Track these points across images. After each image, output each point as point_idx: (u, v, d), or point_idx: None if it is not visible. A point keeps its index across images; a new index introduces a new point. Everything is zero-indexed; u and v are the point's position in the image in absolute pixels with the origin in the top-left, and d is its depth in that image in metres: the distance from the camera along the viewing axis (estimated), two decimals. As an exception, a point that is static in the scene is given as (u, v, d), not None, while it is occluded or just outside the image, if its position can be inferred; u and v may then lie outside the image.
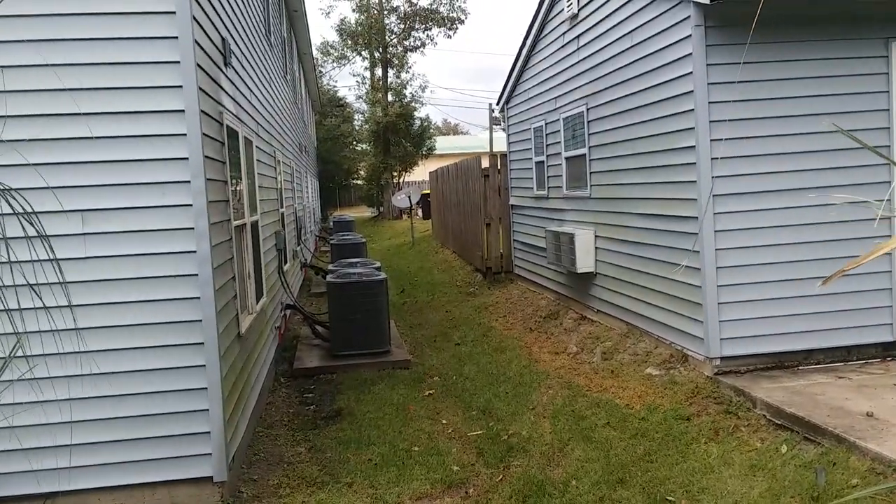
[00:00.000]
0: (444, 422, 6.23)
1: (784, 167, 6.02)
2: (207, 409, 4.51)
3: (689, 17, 6.00)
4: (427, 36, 35.71)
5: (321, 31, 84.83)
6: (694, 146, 6.05)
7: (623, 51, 7.50)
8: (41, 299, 2.59)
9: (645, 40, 6.95)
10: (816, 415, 4.86)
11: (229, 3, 5.99)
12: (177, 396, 4.49)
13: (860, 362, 6.10)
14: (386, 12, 34.96)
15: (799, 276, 6.04)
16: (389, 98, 35.43)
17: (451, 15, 35.04)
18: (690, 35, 5.99)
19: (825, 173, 6.04)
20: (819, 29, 6.00)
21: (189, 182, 4.38)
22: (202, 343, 4.48)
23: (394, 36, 35.50)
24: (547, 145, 10.42)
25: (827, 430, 4.64)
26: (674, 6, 6.29)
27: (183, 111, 4.33)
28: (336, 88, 41.97)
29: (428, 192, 25.54)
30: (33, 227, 1.96)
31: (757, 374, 5.94)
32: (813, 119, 5.98)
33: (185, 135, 4.34)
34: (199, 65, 4.44)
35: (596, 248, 8.64)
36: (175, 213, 4.40)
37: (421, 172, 36.89)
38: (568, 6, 9.09)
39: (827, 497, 3.97)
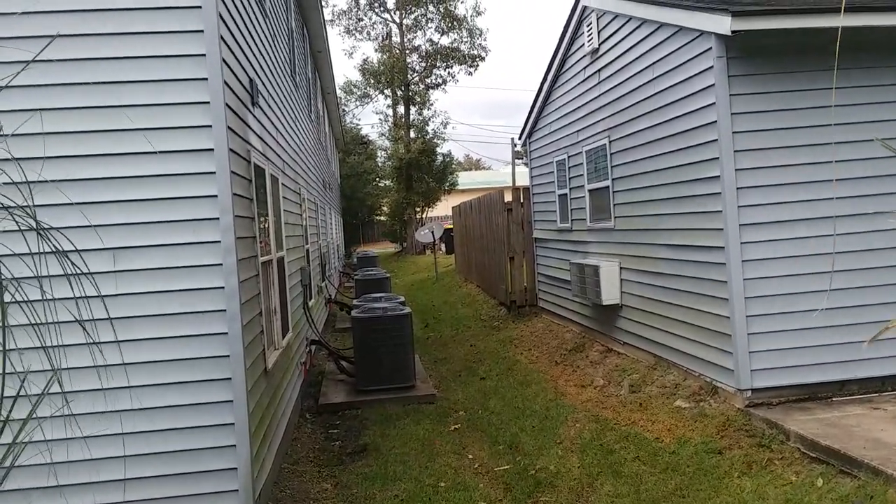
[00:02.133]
0: (470, 457, 6.18)
1: (813, 195, 5.98)
2: (235, 445, 4.51)
3: (710, 48, 6.04)
4: (448, 73, 36.23)
5: (344, 70, 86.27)
6: (719, 176, 6.04)
7: (644, 83, 7.54)
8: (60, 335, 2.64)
9: (666, 73, 6.99)
10: (852, 447, 4.75)
11: (256, 46, 6.14)
12: (204, 432, 4.51)
13: (895, 393, 5.96)
14: (408, 51, 35.55)
15: (831, 306, 5.96)
16: (412, 135, 35.83)
17: (471, 52, 35.56)
18: (712, 66, 6.02)
19: (853, 201, 5.99)
20: (843, 57, 6.00)
21: (218, 219, 4.45)
22: (230, 378, 4.50)
23: (415, 74, 36.03)
24: (569, 178, 10.45)
25: (863, 463, 4.53)
26: (694, 38, 6.34)
27: (212, 150, 4.43)
28: (359, 126, 42.51)
29: (451, 226, 25.63)
30: (71, 263, 2.01)
31: (789, 406, 5.83)
32: (840, 146, 5.94)
33: (214, 173, 4.43)
34: (227, 105, 4.54)
35: (621, 279, 8.60)
36: (204, 250, 4.47)
37: (444, 207, 37.08)
38: (588, 41, 9.18)
39: (866, 532, 3.86)
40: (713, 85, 6.03)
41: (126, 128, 4.39)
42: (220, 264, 4.47)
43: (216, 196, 4.44)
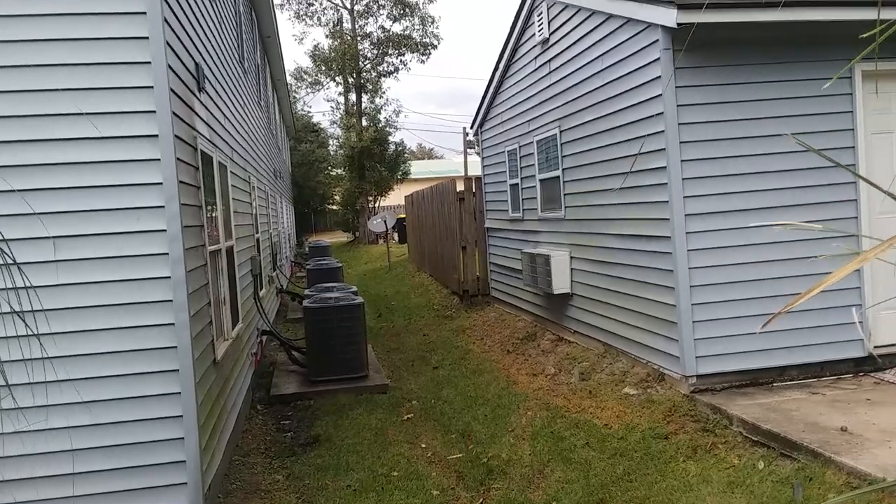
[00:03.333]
0: (423, 446, 6.19)
1: (753, 186, 6.13)
2: (183, 438, 4.44)
3: (657, 40, 6.12)
4: (401, 61, 36.00)
5: (294, 56, 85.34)
6: (665, 167, 6.14)
7: (594, 74, 7.62)
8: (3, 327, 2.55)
9: (615, 63, 7.06)
10: (792, 431, 4.91)
11: (203, 29, 6.00)
12: (151, 425, 4.42)
13: (833, 378, 6.18)
14: (359, 38, 35.20)
15: (772, 294, 6.13)
16: (364, 123, 35.54)
17: (424, 41, 35.40)
18: (659, 58, 6.11)
19: (793, 192, 6.16)
20: (785, 51, 6.15)
21: (164, 207, 4.35)
22: (177, 370, 4.42)
23: (367, 61, 35.72)
24: (521, 168, 10.51)
25: (803, 446, 4.68)
26: (642, 30, 6.42)
27: (157, 136, 4.31)
28: (310, 114, 42.00)
29: (403, 216, 25.57)
30: (3, 254, 1.94)
31: (732, 392, 6.00)
32: (780, 139, 6.10)
33: (158, 160, 4.32)
34: (172, 90, 4.43)
35: (571, 269, 8.70)
36: (149, 239, 4.37)
37: (396, 197, 36.96)
38: (539, 31, 9.22)
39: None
40: (660, 77, 6.13)
41: (66, 112, 4.24)
42: (167, 253, 4.37)
43: (161, 183, 4.33)
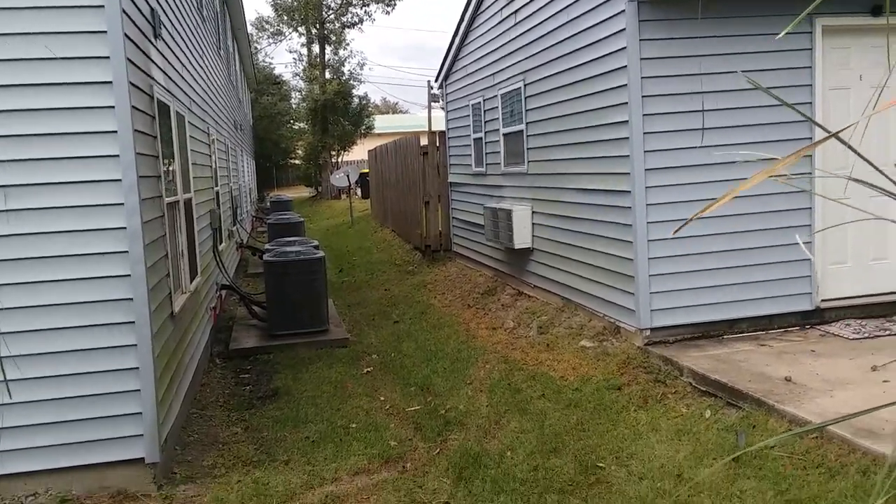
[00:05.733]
0: (382, 398, 6.27)
1: (713, 141, 6.17)
2: (139, 390, 4.43)
3: (622, -6, 6.10)
4: (365, 12, 35.37)
5: (256, 5, 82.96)
6: (627, 121, 6.18)
7: (559, 26, 7.58)
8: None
9: (580, 16, 7.03)
10: (739, 381, 5.09)
11: (157, -27, 5.81)
12: (107, 377, 4.40)
13: (781, 330, 6.38)
14: (323, -13, 34.38)
15: (724, 248, 6.28)
16: (327, 75, 34.94)
17: (389, -10, 34.70)
18: (624, 10, 6.09)
19: (754, 147, 6.23)
20: (747, 5, 6.17)
21: (118, 156, 4.27)
22: (133, 322, 4.39)
23: (331, 11, 34.98)
24: (485, 122, 10.48)
25: (748, 395, 4.86)
26: (607, -17, 6.39)
27: (111, 83, 4.21)
28: (272, 66, 41.22)
29: (367, 171, 25.37)
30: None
31: (685, 344, 6.16)
32: (743, 95, 6.15)
33: (113, 107, 4.23)
34: (127, 35, 4.31)
35: (533, 223, 8.77)
36: (104, 189, 4.29)
37: (360, 152, 36.56)
38: (504, -17, 9.11)
39: (747, 457, 4.17)
40: (624, 30, 6.12)
41: (16, 57, 4.11)
42: (122, 204, 4.30)
43: (116, 132, 4.24)
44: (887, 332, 6.06)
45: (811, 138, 6.33)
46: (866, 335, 6.01)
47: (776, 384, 4.99)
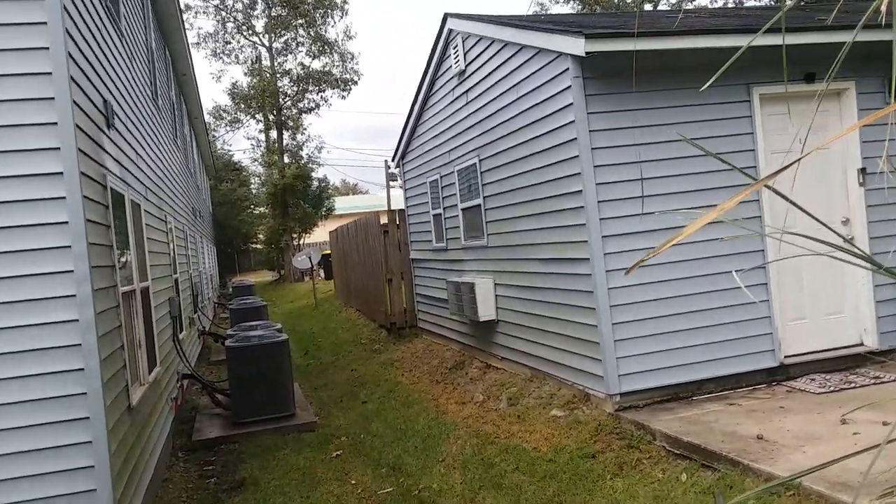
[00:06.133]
0: (353, 482, 6.07)
1: (667, 206, 6.32)
2: (95, 490, 4.22)
3: (567, 69, 6.32)
4: (321, 97, 36.01)
5: (213, 94, 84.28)
6: (581, 190, 6.30)
7: (510, 103, 7.79)
8: None
9: (529, 92, 7.24)
10: (712, 441, 5.05)
11: (111, 65, 5.85)
12: (60, 478, 4.19)
13: (748, 388, 6.40)
14: (279, 75, 35.05)
15: (687, 310, 6.34)
16: (286, 160, 35.24)
17: (344, 76, 35.57)
18: (570, 86, 6.29)
19: (707, 210, 6.39)
20: (689, 77, 6.42)
21: (70, 247, 4.18)
22: (88, 418, 4.22)
23: (288, 98, 35.56)
24: (443, 198, 10.60)
25: (722, 456, 4.81)
26: (553, 59, 6.62)
27: (62, 174, 4.16)
28: (231, 152, 41.42)
29: (329, 252, 25.32)
30: None
31: (655, 407, 6.13)
32: (689, 161, 6.35)
33: (64, 198, 4.17)
34: (78, 126, 4.29)
35: (496, 295, 8.78)
36: (55, 281, 4.19)
37: (321, 233, 36.61)
38: (456, 63, 9.39)
39: (726, 519, 4.10)
40: (572, 104, 6.31)
41: (-39, 152, 4.05)
42: (74, 295, 4.19)
43: (67, 223, 4.17)
44: (852, 385, 6.11)
45: (758, 200, 6.52)
46: (832, 389, 6.05)
47: (749, 443, 4.96)
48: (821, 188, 6.75)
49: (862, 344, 6.80)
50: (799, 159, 1.33)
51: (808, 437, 4.96)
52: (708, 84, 1.91)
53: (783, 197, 1.43)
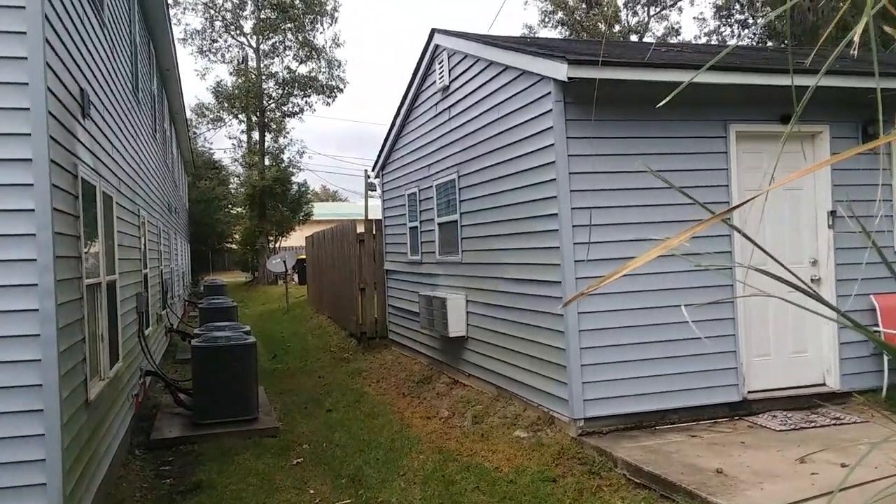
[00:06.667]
0: (311, 491, 5.99)
1: (640, 235, 6.37)
2: (45, 484, 4.11)
3: (549, 93, 6.35)
4: (306, 102, 35.84)
5: (196, 91, 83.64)
6: (557, 213, 6.32)
7: (491, 122, 7.81)
8: None
9: (511, 112, 7.27)
10: (671, 473, 5.05)
11: (91, 55, 5.78)
12: (10, 469, 4.08)
13: (711, 421, 6.43)
14: (264, 77, 34.87)
15: (654, 339, 6.36)
16: (266, 162, 35.03)
17: (330, 83, 35.44)
18: (552, 109, 6.33)
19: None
20: (669, 110, 6.48)
21: (34, 235, 4.10)
22: (42, 410, 4.12)
23: (272, 101, 35.38)
24: (421, 211, 10.59)
25: (681, 487, 4.82)
26: (536, 82, 6.65)
27: (31, 160, 4.08)
28: (212, 151, 41.06)
29: (304, 257, 25.17)
30: None
31: (618, 435, 6.13)
32: (663, 191, 6.40)
33: (32, 185, 4.09)
34: (51, 113, 4.22)
35: (468, 312, 8.76)
36: (17, 268, 4.10)
37: (298, 238, 36.39)
38: (440, 78, 9.41)
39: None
40: (552, 127, 6.34)
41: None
42: (36, 284, 4.10)
43: (33, 210, 4.09)
44: (812, 424, 6.16)
45: (729, 236, 6.58)
46: (793, 427, 6.10)
47: (708, 476, 4.97)
48: (792, 228, 6.85)
49: (824, 384, 6.88)
50: (755, 197, 1.34)
51: (766, 473, 4.99)
52: (664, 102, 1.91)
53: (740, 232, 1.45)
